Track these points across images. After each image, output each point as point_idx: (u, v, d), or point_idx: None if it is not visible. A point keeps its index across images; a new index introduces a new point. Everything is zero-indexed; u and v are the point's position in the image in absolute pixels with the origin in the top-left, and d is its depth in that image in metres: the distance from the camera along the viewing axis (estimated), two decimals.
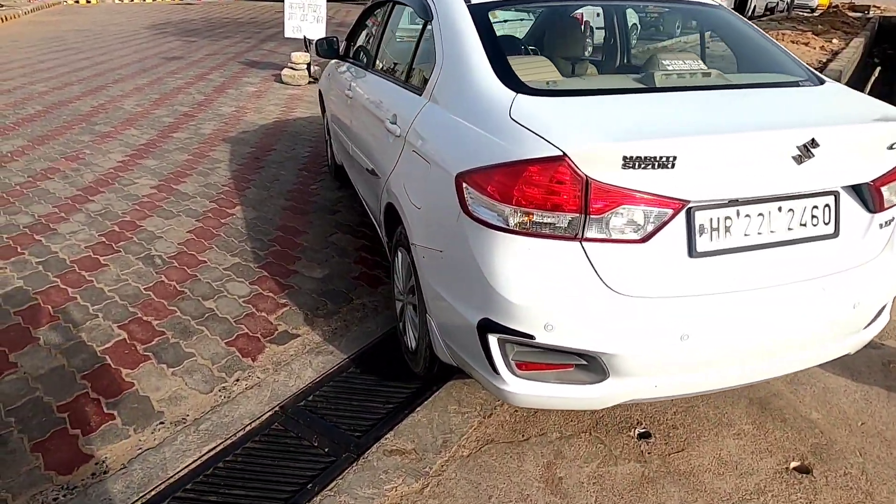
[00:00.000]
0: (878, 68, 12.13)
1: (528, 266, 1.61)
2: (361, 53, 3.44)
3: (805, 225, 1.71)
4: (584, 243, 1.58)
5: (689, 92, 1.89)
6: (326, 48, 3.84)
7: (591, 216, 1.54)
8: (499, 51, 1.96)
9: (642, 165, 1.49)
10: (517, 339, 1.65)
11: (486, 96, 1.83)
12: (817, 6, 23.76)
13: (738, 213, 1.64)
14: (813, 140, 1.58)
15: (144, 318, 2.83)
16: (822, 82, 2.11)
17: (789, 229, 1.70)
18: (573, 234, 1.57)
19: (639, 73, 2.21)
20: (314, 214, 4.12)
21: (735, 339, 1.68)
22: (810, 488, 1.95)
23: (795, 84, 2.06)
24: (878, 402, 2.34)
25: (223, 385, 2.42)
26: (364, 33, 3.58)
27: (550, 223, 1.57)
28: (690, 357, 1.65)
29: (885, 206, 1.81)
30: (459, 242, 1.76)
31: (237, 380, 2.45)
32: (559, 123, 1.59)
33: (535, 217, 1.57)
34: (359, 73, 3.19)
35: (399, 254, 2.45)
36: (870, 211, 1.80)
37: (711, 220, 1.62)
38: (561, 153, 1.50)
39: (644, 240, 1.58)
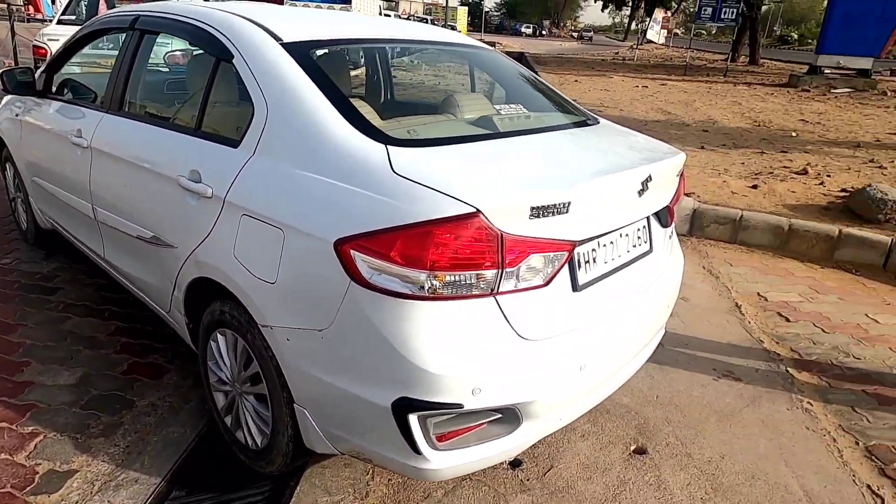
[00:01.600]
0: None
1: (447, 332, 1.49)
2: (85, 90, 2.72)
3: (636, 246, 1.99)
4: (498, 297, 1.54)
5: (533, 135, 2.00)
6: (16, 83, 2.94)
7: (506, 269, 1.51)
8: (342, 98, 1.77)
9: (546, 213, 1.52)
10: (443, 412, 1.52)
11: (349, 149, 1.63)
12: None
13: (598, 244, 1.81)
14: (650, 175, 1.85)
15: None
16: (597, 121, 2.48)
17: (627, 251, 1.95)
18: (489, 291, 1.51)
19: (451, 115, 2.25)
20: (24, 299, 3.11)
21: (614, 356, 1.86)
22: (652, 465, 2.27)
23: (585, 123, 2.37)
24: (658, 376, 2.86)
25: None
26: (82, 66, 2.85)
27: (467, 283, 1.48)
28: (587, 384, 1.76)
29: (672, 220, 2.23)
30: (352, 317, 1.53)
31: None
32: (458, 178, 1.52)
33: (449, 278, 1.47)
34: (93, 116, 2.51)
35: (219, 337, 2.03)
36: (663, 226, 2.19)
37: (583, 254, 1.75)
38: (474, 209, 1.43)
39: (546, 284, 1.61)
